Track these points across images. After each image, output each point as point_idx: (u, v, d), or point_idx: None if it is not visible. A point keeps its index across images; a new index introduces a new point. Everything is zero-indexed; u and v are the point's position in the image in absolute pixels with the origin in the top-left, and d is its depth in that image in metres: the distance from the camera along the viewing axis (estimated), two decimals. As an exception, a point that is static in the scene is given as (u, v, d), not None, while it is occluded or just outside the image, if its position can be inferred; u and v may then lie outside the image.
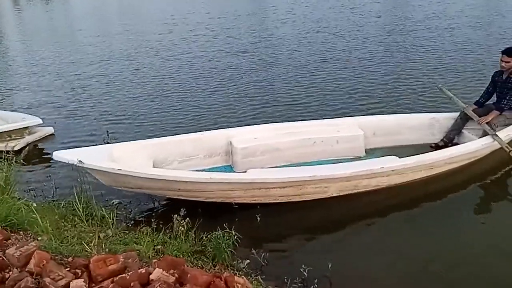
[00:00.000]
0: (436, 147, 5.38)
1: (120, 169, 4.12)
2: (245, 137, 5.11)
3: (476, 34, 10.81)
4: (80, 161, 4.14)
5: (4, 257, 2.69)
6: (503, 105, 5.12)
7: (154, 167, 4.63)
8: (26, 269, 2.49)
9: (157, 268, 2.55)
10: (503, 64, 5.09)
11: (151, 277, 2.47)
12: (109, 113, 7.43)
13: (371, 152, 5.29)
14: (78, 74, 9.78)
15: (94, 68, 10.10)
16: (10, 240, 3.05)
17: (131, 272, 2.45)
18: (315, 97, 7.55)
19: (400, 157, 4.63)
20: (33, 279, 2.41)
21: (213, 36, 12.46)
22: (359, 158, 5.15)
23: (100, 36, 13.85)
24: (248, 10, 16.12)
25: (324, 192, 4.41)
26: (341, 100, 7.32)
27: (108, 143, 6.19)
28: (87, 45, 12.79)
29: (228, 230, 3.58)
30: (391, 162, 4.55)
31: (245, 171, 4.66)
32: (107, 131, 6.47)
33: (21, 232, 3.39)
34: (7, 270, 2.59)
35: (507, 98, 5.08)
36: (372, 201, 4.54)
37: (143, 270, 2.50)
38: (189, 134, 5.28)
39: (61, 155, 4.37)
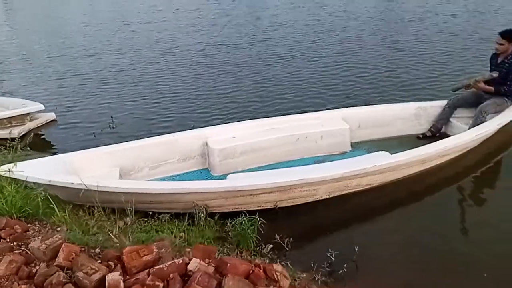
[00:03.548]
0: (424, 137, 5.04)
1: (80, 183, 3.41)
2: (222, 137, 4.54)
3: (468, 23, 10.29)
4: (27, 176, 3.45)
5: (28, 251, 2.44)
6: (503, 90, 4.74)
7: (121, 176, 4.10)
8: (55, 263, 2.24)
9: (194, 258, 2.41)
10: (497, 46, 4.78)
11: (189, 267, 2.25)
12: (111, 98, 7.05)
13: (357, 146, 4.86)
14: (77, 60, 9.31)
15: (93, 56, 9.59)
16: (28, 232, 2.80)
17: (169, 263, 2.22)
18: (296, 90, 6.98)
19: (389, 151, 4.21)
20: (64, 274, 2.17)
21: (191, 30, 11.60)
22: (345, 154, 4.73)
23: (98, 24, 13.18)
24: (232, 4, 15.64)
25: (312, 195, 3.94)
26: (323, 92, 6.80)
27: (113, 128, 5.95)
28: (84, 33, 12.14)
29: (252, 216, 3.39)
30: (383, 158, 4.09)
31: (224, 175, 4.20)
32: (112, 117, 6.13)
33: (36, 223, 3.08)
34: (33, 264, 2.34)
35: (508, 83, 4.70)
36: (365, 200, 4.12)
37: (180, 261, 2.26)
38: (160, 136, 4.61)
39: (6, 169, 3.52)
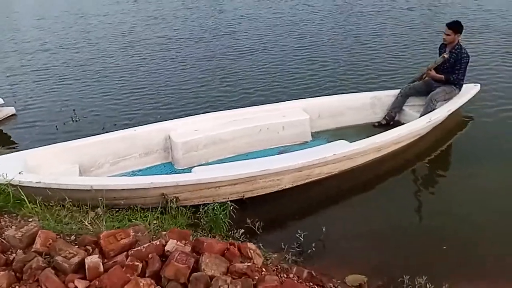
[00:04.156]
0: (379, 125, 5.24)
1: (39, 182, 3.37)
2: (184, 129, 4.52)
3: (425, 16, 10.57)
4: None
5: (3, 240, 2.44)
6: (451, 78, 4.99)
7: (81, 172, 4.03)
8: (33, 249, 2.27)
9: (170, 240, 2.51)
10: (445, 36, 4.99)
11: (166, 248, 2.35)
12: (72, 92, 6.89)
13: (317, 136, 4.99)
14: (33, 55, 9.01)
15: (49, 51, 9.31)
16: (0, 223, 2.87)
17: (146, 245, 2.30)
18: (259, 83, 6.94)
19: (347, 140, 4.38)
20: (43, 259, 2.21)
21: (152, 23, 11.38)
22: (307, 144, 4.82)
23: (53, 17, 12.62)
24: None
25: (277, 185, 4.04)
26: (286, 85, 6.82)
27: (76, 121, 5.85)
28: (39, 27, 11.62)
29: (223, 202, 3.52)
30: (342, 147, 4.25)
31: (187, 168, 4.21)
32: (74, 109, 6.05)
33: (5, 216, 3.05)
34: (9, 252, 2.35)
35: (456, 72, 4.96)
36: (327, 188, 4.30)
37: (157, 242, 2.34)
38: (120, 131, 4.54)
39: None
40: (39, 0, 16.64)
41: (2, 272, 2.17)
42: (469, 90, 5.31)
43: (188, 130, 4.53)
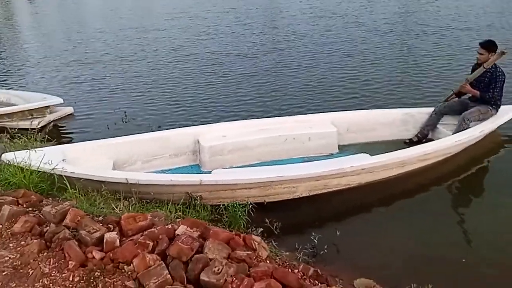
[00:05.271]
0: (410, 143, 5.09)
1: (73, 172, 3.67)
2: (213, 135, 4.71)
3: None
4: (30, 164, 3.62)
5: (40, 215, 2.86)
6: (487, 97, 4.90)
7: (114, 168, 4.28)
8: (63, 224, 2.60)
9: (181, 225, 2.76)
10: (478, 55, 4.93)
11: (177, 232, 2.57)
12: (124, 97, 7.51)
13: (345, 149, 4.96)
14: (94, 64, 9.80)
15: (109, 61, 10.06)
16: (42, 202, 3.18)
17: (159, 227, 2.55)
18: (287, 92, 7.12)
19: (373, 155, 4.31)
20: (70, 232, 2.54)
21: (205, 38, 11.97)
22: (332, 156, 4.80)
23: (117, 31, 13.69)
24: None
25: (293, 192, 4.06)
26: (314, 96, 6.92)
27: (126, 122, 6.33)
28: (103, 39, 12.56)
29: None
30: (362, 160, 4.21)
31: (212, 171, 4.31)
32: (125, 112, 6.53)
33: (49, 198, 3.45)
34: (44, 225, 2.71)
35: (491, 91, 4.87)
36: (346, 199, 4.29)
37: (169, 226, 2.62)
38: (154, 132, 4.87)
39: (10, 157, 3.80)
40: (103, 14, 17.96)
41: (35, 241, 2.51)
42: (508, 112, 5.12)
43: (216, 136, 4.72)
